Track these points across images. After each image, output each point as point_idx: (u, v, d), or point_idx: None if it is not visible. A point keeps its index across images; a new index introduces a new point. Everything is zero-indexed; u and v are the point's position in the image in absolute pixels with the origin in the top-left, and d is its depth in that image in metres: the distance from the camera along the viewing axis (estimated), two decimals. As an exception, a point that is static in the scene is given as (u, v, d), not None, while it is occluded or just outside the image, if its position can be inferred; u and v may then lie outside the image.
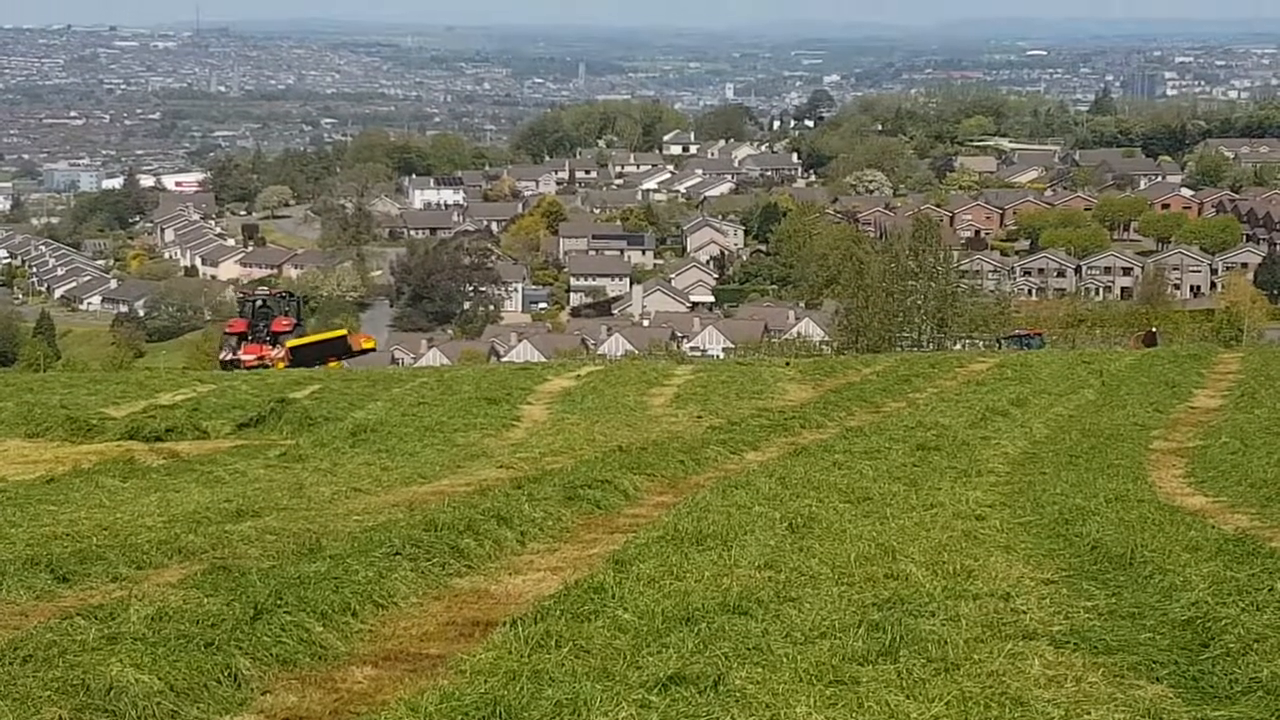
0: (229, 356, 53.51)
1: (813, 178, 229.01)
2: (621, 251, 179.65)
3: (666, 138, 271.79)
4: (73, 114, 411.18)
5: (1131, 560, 12.66)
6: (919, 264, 79.75)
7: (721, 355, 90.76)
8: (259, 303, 56.25)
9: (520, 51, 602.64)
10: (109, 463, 22.49)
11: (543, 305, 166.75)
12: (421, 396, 33.04)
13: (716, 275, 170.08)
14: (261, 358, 52.54)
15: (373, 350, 62.67)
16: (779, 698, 8.84)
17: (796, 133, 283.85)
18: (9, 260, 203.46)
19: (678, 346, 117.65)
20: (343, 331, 64.37)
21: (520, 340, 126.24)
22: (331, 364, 52.19)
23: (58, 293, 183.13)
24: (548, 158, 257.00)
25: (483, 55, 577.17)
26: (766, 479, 18.20)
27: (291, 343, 53.39)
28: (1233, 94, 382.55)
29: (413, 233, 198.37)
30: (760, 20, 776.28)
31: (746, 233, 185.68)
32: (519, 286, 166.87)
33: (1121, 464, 20.67)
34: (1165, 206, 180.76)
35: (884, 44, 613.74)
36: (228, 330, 56.79)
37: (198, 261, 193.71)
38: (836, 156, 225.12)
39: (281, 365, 50.23)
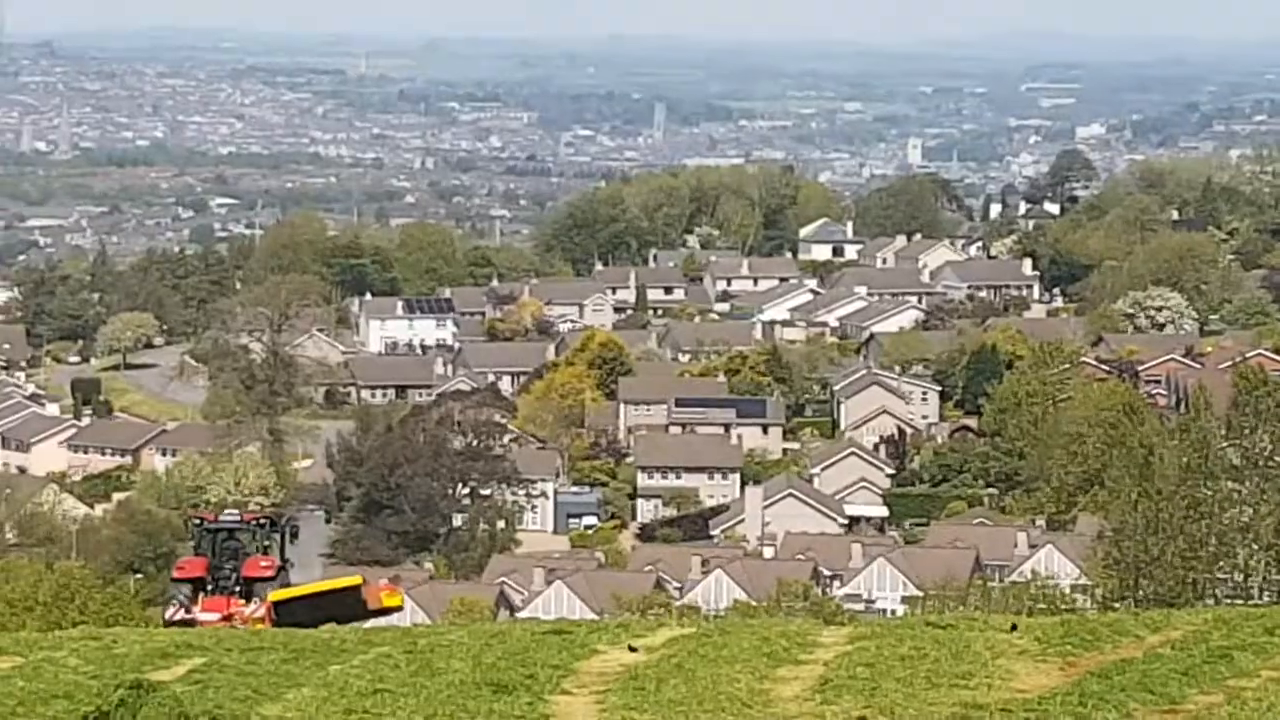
0: (179, 615, 54.98)
1: (1059, 301, 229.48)
2: (726, 428, 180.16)
3: (805, 232, 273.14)
4: None
5: None
6: (1246, 453, 79.68)
7: (901, 609, 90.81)
8: (224, 533, 57.84)
9: (554, 82, 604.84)
10: None
11: (589, 521, 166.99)
12: (379, 678, 33.17)
13: (892, 470, 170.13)
14: (229, 616, 53.95)
15: (398, 609, 64.03)
16: None
17: (1030, 224, 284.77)
18: None
19: (824, 593, 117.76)
20: (356, 580, 65.69)
21: (550, 582, 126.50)
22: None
23: None
24: (599, 265, 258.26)
25: (488, 89, 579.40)
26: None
27: (276, 595, 54.85)
28: None
29: (367, 394, 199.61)
30: (969, 31, 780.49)
31: (944, 396, 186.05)
32: (549, 489, 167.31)
33: None
34: None
35: (1177, 72, 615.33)
36: (177, 574, 58.43)
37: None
38: (1100, 265, 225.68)
39: (260, 627, 51.34)
